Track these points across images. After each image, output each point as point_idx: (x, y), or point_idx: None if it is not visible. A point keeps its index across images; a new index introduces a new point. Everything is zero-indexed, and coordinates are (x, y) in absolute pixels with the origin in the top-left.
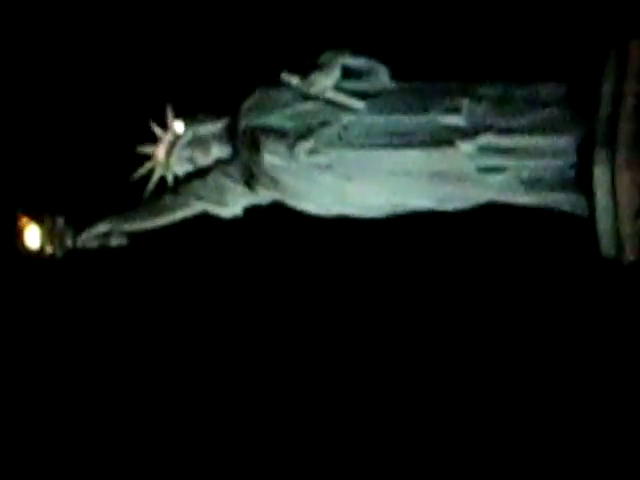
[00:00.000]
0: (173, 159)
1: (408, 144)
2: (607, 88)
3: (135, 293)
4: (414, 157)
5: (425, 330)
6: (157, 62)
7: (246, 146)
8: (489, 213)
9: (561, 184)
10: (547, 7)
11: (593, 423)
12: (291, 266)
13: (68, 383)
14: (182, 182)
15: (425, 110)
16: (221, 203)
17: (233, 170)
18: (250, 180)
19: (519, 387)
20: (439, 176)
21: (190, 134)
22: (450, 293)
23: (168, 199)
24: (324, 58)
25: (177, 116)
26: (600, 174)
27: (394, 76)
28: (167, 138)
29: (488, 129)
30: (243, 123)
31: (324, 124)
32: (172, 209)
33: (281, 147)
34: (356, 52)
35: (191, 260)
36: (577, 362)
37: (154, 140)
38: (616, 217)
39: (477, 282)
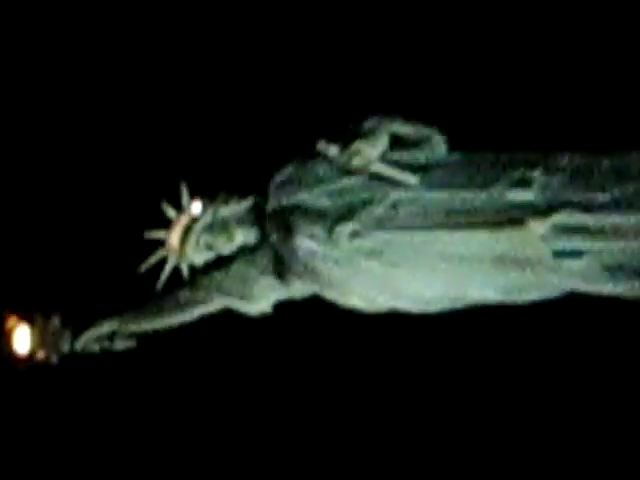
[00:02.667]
0: (189, 246)
1: (469, 225)
2: None
3: (144, 405)
4: (476, 240)
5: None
6: (169, 131)
7: (276, 230)
8: (566, 306)
9: None
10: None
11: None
12: (330, 373)
13: None
14: (200, 273)
15: (489, 184)
16: (247, 298)
17: (261, 258)
18: (281, 270)
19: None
20: (506, 262)
21: (209, 216)
22: (520, 407)
23: (184, 294)
24: (368, 124)
25: (193, 195)
26: None
27: (452, 146)
28: (182, 221)
29: (565, 205)
30: (272, 203)
31: (369, 202)
32: (188, 306)
33: (318, 230)
34: (407, 117)
35: (209, 367)
36: None
37: (166, 224)
38: None
39: (555, 391)
